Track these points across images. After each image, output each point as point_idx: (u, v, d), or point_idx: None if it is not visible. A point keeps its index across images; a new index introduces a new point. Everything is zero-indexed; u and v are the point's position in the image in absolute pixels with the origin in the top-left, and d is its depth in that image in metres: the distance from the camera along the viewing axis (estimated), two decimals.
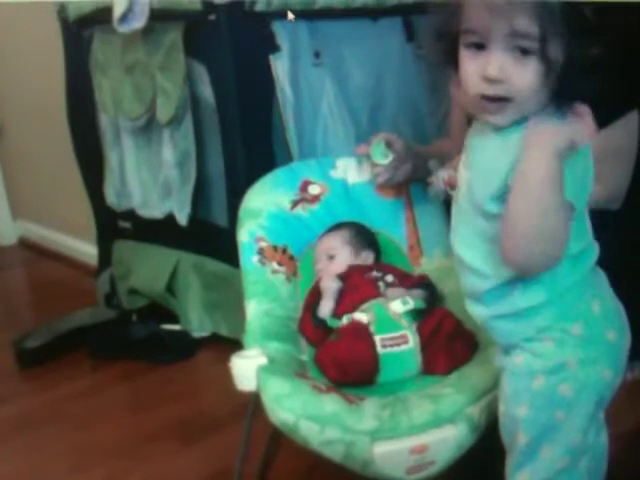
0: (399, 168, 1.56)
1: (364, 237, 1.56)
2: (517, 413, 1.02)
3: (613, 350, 1.01)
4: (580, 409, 1.00)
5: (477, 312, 1.05)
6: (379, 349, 1.27)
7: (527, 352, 1.01)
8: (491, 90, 0.91)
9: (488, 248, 0.98)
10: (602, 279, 1.04)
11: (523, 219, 0.90)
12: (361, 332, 1.29)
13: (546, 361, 0.99)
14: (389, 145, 1.55)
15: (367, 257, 1.53)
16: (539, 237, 0.90)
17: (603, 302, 1.01)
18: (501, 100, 0.91)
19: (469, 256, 1.01)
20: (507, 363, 1.04)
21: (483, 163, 0.97)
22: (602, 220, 1.02)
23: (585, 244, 1.00)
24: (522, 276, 0.97)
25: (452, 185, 1.34)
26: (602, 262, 1.03)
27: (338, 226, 1.57)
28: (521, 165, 0.90)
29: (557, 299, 0.98)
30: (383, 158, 1.55)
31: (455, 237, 1.04)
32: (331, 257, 1.51)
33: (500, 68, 0.89)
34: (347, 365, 1.25)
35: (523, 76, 0.89)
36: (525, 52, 0.88)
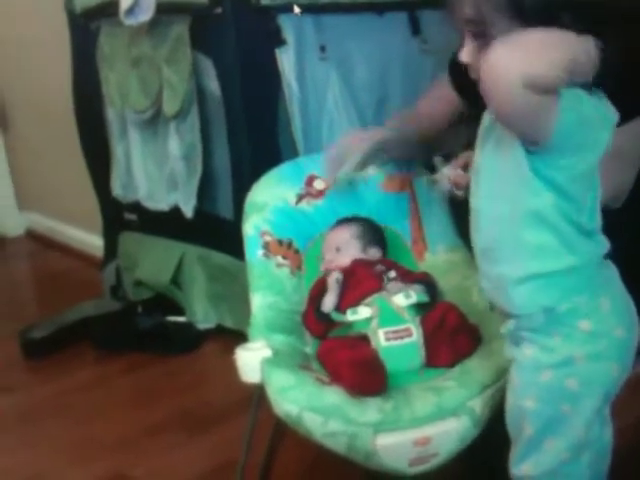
0: (378, 156, 1.56)
1: (373, 233, 1.56)
2: (524, 405, 1.03)
3: (621, 346, 1.02)
4: (586, 403, 1.01)
5: (491, 273, 1.04)
6: (383, 343, 1.28)
7: (536, 345, 1.02)
8: (473, 74, 0.96)
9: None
10: (614, 275, 1.04)
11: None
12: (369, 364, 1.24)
13: (554, 355, 1.00)
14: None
15: (375, 254, 1.53)
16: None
17: (613, 299, 1.02)
18: None
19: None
20: (516, 354, 1.05)
21: (492, 144, 0.99)
22: (605, 216, 1.02)
23: (597, 225, 1.00)
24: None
25: (457, 184, 1.35)
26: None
27: (348, 220, 1.57)
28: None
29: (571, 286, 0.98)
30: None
31: (477, 191, 1.04)
32: (338, 249, 1.52)
33: (466, 53, 0.97)
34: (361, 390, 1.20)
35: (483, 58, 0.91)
36: (476, 36, 0.95)
